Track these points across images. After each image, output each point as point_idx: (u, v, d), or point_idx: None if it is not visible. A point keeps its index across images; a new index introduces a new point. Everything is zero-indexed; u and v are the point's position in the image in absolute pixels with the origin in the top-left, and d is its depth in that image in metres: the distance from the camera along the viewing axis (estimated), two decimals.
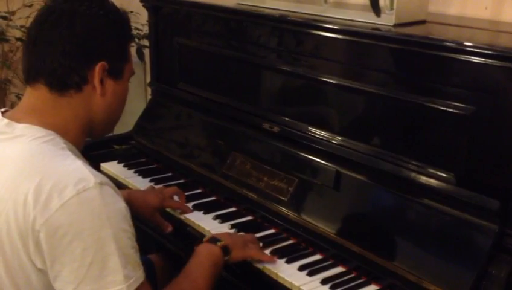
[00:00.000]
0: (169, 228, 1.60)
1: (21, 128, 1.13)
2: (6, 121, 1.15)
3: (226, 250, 1.35)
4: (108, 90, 1.20)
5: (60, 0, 1.17)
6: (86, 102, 1.18)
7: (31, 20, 1.16)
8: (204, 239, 1.38)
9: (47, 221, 1.01)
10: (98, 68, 1.16)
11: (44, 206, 1.01)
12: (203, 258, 1.31)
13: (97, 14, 1.16)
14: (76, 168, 1.07)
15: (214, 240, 1.36)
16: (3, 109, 1.21)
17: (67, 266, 1.02)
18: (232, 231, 1.55)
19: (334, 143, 1.56)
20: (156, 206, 1.61)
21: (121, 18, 1.24)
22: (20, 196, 1.03)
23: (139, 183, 1.84)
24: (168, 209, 1.68)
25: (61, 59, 1.13)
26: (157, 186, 1.79)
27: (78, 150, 1.19)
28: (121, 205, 1.08)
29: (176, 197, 1.70)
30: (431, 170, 1.35)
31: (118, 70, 1.21)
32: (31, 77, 1.16)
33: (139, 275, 1.08)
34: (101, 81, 1.17)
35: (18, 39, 3.00)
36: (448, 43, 1.30)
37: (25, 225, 1.03)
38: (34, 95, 1.16)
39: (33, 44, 1.15)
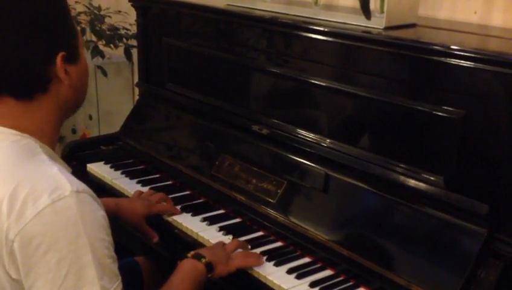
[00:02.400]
0: (156, 238, 1.58)
1: None
2: None
3: (209, 267, 1.33)
4: (73, 76, 1.14)
5: None
6: (55, 98, 1.13)
7: None
8: (189, 255, 1.36)
9: (21, 231, 0.98)
10: (58, 62, 1.09)
11: (19, 216, 0.98)
12: (186, 273, 1.30)
13: (31, 6, 1.07)
14: (52, 175, 1.03)
15: (198, 256, 1.34)
16: None
17: (42, 276, 0.99)
18: (220, 233, 1.55)
19: (324, 146, 1.55)
20: (143, 213, 1.59)
21: None
22: None
23: (126, 184, 1.82)
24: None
25: (19, 69, 1.07)
26: (144, 189, 1.77)
27: (54, 150, 1.15)
28: (99, 214, 1.04)
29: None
30: (420, 174, 1.35)
31: (75, 52, 1.14)
32: None
33: (116, 286, 1.05)
34: (65, 71, 1.12)
35: None
36: (438, 47, 1.30)
37: None
38: (1, 107, 1.10)
39: None
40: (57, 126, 1.17)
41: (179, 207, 1.67)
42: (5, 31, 1.06)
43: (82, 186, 1.04)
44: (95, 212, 1.04)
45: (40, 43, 1.08)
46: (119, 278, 1.07)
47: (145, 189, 1.78)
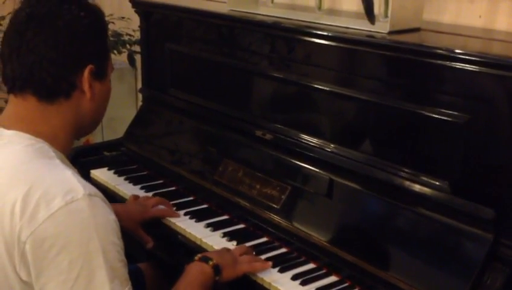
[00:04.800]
0: (150, 244, 1.58)
1: (9, 135, 1.10)
2: None
3: (217, 269, 1.33)
4: (96, 93, 1.17)
5: (35, 5, 1.12)
6: (74, 108, 1.15)
7: None
8: (196, 258, 1.36)
9: (33, 232, 0.98)
10: (86, 73, 1.13)
11: (31, 217, 0.99)
12: (194, 277, 1.29)
13: (78, 16, 1.13)
14: (66, 178, 1.04)
15: (205, 259, 1.34)
16: None
17: (53, 279, 0.99)
18: (224, 239, 1.54)
19: (327, 151, 1.54)
20: (137, 219, 1.58)
21: (100, 16, 1.21)
22: (7, 206, 1.01)
23: (130, 190, 1.82)
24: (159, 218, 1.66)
25: (49, 68, 1.10)
26: (142, 195, 1.76)
27: (66, 158, 1.16)
28: (110, 217, 1.05)
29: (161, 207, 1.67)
30: (425, 179, 1.34)
31: (103, 70, 1.19)
32: (16, 87, 1.12)
33: None
34: (89, 85, 1.15)
35: None
36: (442, 51, 1.29)
37: (11, 235, 1.00)
38: (22, 105, 1.13)
39: (16, 54, 1.11)
40: (71, 136, 1.19)
41: (182, 213, 1.67)
42: (48, 31, 1.10)
43: (94, 190, 1.05)
44: (107, 216, 1.05)
45: (75, 50, 1.12)
46: (129, 283, 1.07)
47: (149, 195, 1.77)
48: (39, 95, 1.12)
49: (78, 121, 1.17)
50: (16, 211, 0.99)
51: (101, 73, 1.18)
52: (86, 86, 1.14)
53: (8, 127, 1.12)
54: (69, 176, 1.05)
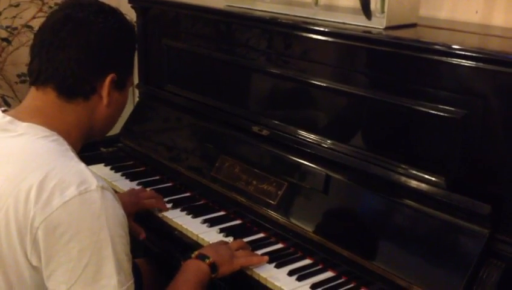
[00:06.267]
0: (142, 235, 1.59)
1: (24, 127, 1.13)
2: (8, 118, 1.14)
3: (214, 267, 1.33)
4: (113, 101, 1.21)
5: (75, 8, 1.18)
6: (90, 110, 1.20)
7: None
8: (193, 255, 1.37)
9: (46, 219, 1.01)
10: (108, 80, 1.18)
11: (46, 204, 1.02)
12: (190, 275, 1.31)
13: (112, 26, 1.19)
14: (81, 170, 1.08)
15: (202, 256, 1.35)
16: (2, 108, 1.21)
17: (62, 265, 1.02)
18: (221, 235, 1.54)
19: (324, 146, 1.54)
20: (129, 210, 1.59)
21: (132, 31, 1.27)
22: (22, 192, 1.03)
23: (126, 186, 1.82)
24: (156, 214, 1.66)
25: (75, 68, 1.15)
26: (137, 188, 1.77)
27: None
28: (120, 212, 1.09)
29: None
30: (422, 174, 1.34)
31: (124, 82, 1.24)
32: (39, 81, 1.16)
33: (130, 284, 1.08)
34: (108, 93, 1.19)
35: (3, 39, 2.96)
36: (439, 47, 1.29)
37: (24, 221, 1.02)
38: (41, 98, 1.17)
39: (46, 50, 1.15)
40: (82, 137, 1.22)
41: (179, 209, 1.67)
42: (82, 35, 1.16)
43: (106, 184, 1.09)
44: (117, 209, 1.08)
45: (103, 57, 1.18)
46: (132, 278, 1.10)
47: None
48: (60, 91, 1.16)
49: (90, 124, 1.22)
50: (31, 197, 1.02)
51: (121, 84, 1.23)
52: (104, 93, 1.19)
53: (23, 119, 1.14)
54: (83, 168, 1.08)
